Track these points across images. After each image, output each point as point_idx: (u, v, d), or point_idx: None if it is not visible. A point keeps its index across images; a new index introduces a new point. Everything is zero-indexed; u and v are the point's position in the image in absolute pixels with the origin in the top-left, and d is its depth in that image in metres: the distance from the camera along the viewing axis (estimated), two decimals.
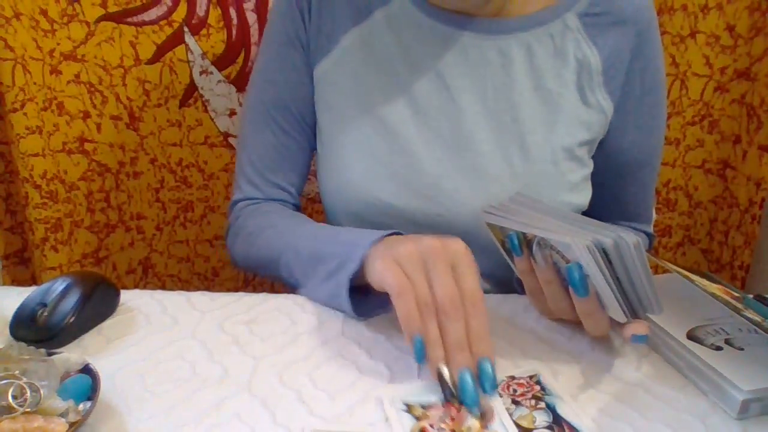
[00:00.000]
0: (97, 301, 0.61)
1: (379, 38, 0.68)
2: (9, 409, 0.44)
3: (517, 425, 0.48)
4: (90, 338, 0.59)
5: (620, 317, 0.52)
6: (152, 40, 1.00)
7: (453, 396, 0.48)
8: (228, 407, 0.50)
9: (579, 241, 0.48)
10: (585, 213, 0.71)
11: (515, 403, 0.50)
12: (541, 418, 0.49)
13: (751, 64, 0.99)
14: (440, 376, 0.49)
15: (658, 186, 1.09)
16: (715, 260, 1.10)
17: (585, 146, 0.69)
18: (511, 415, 0.49)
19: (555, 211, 0.56)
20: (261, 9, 1.01)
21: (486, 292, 0.68)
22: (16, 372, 0.46)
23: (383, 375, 0.54)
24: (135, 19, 0.99)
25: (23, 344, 0.51)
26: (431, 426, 0.47)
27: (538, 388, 0.52)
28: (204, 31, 1.01)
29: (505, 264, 0.61)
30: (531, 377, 0.54)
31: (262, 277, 1.01)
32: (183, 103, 1.05)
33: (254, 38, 1.02)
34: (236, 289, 0.84)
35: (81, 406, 0.46)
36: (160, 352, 0.57)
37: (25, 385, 0.45)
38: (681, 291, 0.63)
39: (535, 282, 0.57)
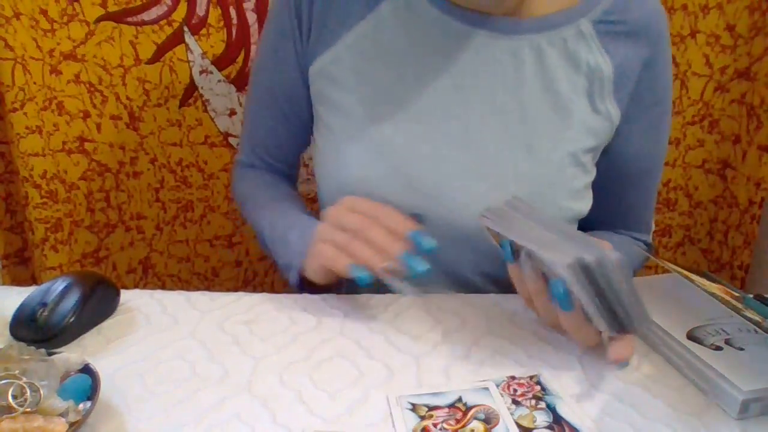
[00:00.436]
0: (97, 301, 0.61)
1: (386, 33, 0.67)
2: (9, 409, 0.44)
3: (518, 425, 0.48)
4: (90, 338, 0.59)
5: (606, 330, 0.52)
6: (152, 39, 1.00)
7: (405, 278, 0.52)
8: (228, 407, 0.50)
9: (561, 259, 0.49)
10: (585, 220, 0.72)
11: (515, 403, 0.50)
12: (542, 418, 0.49)
13: (751, 63, 0.99)
14: (386, 270, 0.54)
15: (659, 186, 1.09)
16: (715, 260, 1.10)
17: (590, 153, 0.69)
18: (511, 414, 0.49)
19: (548, 220, 0.56)
20: (261, 9, 1.01)
21: (487, 291, 0.69)
22: (16, 372, 0.46)
23: (383, 375, 0.54)
24: (135, 18, 0.99)
25: (23, 344, 0.51)
26: (434, 425, 0.47)
27: (538, 388, 0.52)
28: (204, 31, 1.01)
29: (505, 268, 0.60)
30: (531, 377, 0.54)
31: None
32: (183, 103, 1.05)
33: (254, 38, 1.02)
34: (236, 289, 0.84)
35: (81, 406, 0.46)
36: (160, 352, 0.57)
37: (25, 385, 0.45)
38: (681, 291, 0.63)
39: (526, 290, 0.56)
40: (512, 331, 0.61)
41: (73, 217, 1.03)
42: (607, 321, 0.51)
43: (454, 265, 0.70)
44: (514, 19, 0.65)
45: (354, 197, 0.60)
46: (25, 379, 0.46)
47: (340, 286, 0.65)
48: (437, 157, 0.66)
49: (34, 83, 0.94)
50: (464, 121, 0.66)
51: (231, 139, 1.08)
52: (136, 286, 1.13)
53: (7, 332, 0.58)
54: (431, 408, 0.49)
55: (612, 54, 0.66)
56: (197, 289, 0.67)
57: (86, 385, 0.48)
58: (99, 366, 0.50)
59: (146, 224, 1.10)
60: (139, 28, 0.99)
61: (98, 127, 1.02)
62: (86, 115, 1.00)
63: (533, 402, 0.51)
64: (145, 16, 0.99)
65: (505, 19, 0.65)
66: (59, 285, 0.60)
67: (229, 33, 1.02)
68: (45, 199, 0.99)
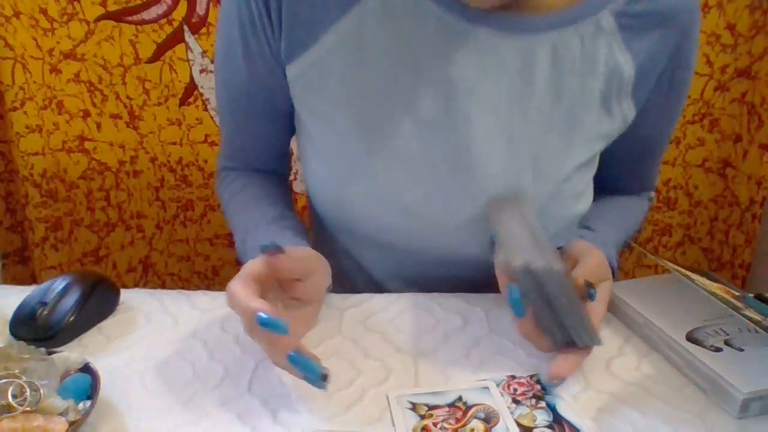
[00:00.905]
0: (97, 300, 0.61)
1: (372, 31, 0.57)
2: (9, 408, 0.44)
3: (518, 424, 0.48)
4: (90, 337, 0.59)
5: (552, 341, 0.53)
6: (152, 38, 1.00)
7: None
8: (228, 407, 0.50)
9: (513, 262, 0.51)
10: (594, 182, 0.69)
11: (516, 402, 0.50)
12: (542, 417, 0.49)
13: (752, 62, 0.99)
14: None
15: (659, 185, 1.09)
16: (715, 259, 1.10)
17: (596, 155, 0.66)
18: (511, 414, 0.49)
19: (533, 225, 0.56)
20: None
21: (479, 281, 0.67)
22: (16, 371, 0.46)
23: (382, 374, 0.54)
24: (135, 17, 0.98)
25: (23, 343, 0.51)
26: (434, 425, 0.47)
27: (538, 387, 0.52)
28: (204, 30, 1.01)
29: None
30: (531, 376, 0.54)
31: None
32: (183, 102, 1.05)
33: None
34: None
35: (81, 405, 0.46)
36: (160, 352, 0.57)
37: (25, 384, 0.45)
38: (681, 291, 0.63)
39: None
40: (512, 330, 0.61)
41: (73, 216, 1.03)
42: (555, 331, 0.52)
43: (450, 266, 0.68)
44: (525, 15, 0.56)
45: (234, 295, 0.50)
46: (25, 378, 0.46)
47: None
48: (435, 179, 0.60)
49: (34, 82, 0.94)
50: (465, 137, 0.58)
51: None
52: (136, 285, 1.12)
53: (7, 331, 0.58)
54: (431, 407, 0.49)
55: (635, 51, 0.59)
56: (197, 288, 0.67)
57: (86, 384, 0.48)
58: (99, 365, 0.50)
59: (146, 223, 1.10)
60: (139, 27, 0.99)
61: (98, 126, 1.02)
62: (86, 114, 1.00)
63: (533, 401, 0.51)
64: (145, 15, 0.99)
65: (513, 16, 0.56)
66: (59, 284, 0.60)
67: None
68: (45, 198, 0.99)
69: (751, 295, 0.57)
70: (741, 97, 1.01)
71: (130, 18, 0.98)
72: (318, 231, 0.76)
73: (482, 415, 0.49)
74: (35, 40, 0.93)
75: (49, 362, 0.48)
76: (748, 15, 0.97)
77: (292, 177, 0.98)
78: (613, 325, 0.62)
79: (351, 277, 0.74)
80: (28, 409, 0.44)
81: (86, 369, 0.50)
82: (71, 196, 1.02)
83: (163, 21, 0.99)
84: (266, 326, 0.47)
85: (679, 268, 0.60)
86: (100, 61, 0.98)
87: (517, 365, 0.56)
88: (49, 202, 0.99)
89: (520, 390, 0.52)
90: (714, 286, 0.59)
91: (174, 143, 1.07)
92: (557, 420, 0.49)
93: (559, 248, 0.60)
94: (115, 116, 1.02)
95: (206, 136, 1.07)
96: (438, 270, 0.69)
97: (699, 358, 0.53)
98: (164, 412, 0.49)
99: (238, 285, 0.50)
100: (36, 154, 0.96)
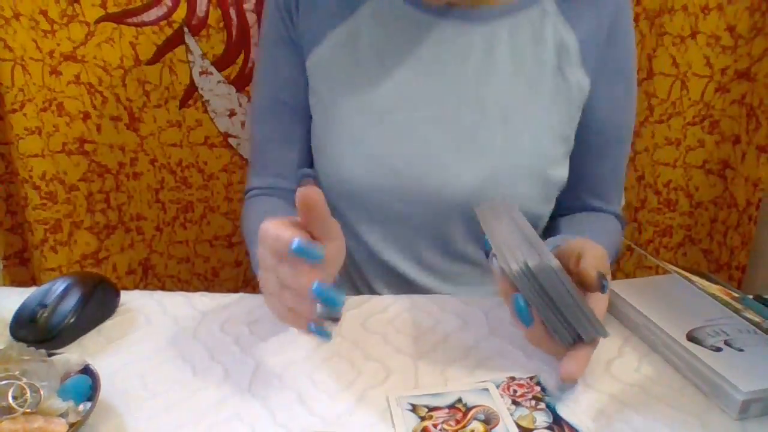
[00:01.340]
0: (97, 302, 0.61)
1: (366, 31, 0.72)
2: (9, 410, 0.44)
3: (518, 426, 0.48)
4: (90, 339, 0.59)
5: (560, 341, 0.53)
6: (152, 40, 1.00)
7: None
8: (228, 407, 0.50)
9: (513, 265, 0.51)
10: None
11: (515, 403, 0.50)
12: (542, 419, 0.49)
13: (752, 64, 0.99)
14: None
15: (659, 186, 1.09)
16: (714, 260, 1.10)
17: (566, 123, 0.73)
18: (511, 415, 0.49)
19: (523, 225, 0.57)
20: (261, 9, 1.01)
21: (478, 260, 0.74)
22: (17, 372, 0.46)
23: (382, 375, 0.54)
24: (135, 19, 0.99)
25: (23, 345, 0.51)
26: (434, 426, 0.47)
27: (538, 388, 0.52)
28: (204, 32, 1.01)
29: None
30: (531, 378, 0.54)
31: None
32: (183, 104, 1.05)
33: (254, 39, 1.02)
34: (236, 290, 0.84)
35: (81, 407, 0.46)
36: (160, 353, 0.57)
37: (25, 386, 0.45)
38: (681, 291, 0.63)
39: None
40: (512, 331, 0.61)
41: (72, 218, 1.03)
42: (562, 329, 0.52)
43: (447, 236, 0.73)
44: (482, 8, 0.70)
45: (266, 229, 0.50)
46: (25, 380, 0.46)
47: None
48: (416, 140, 0.70)
49: (34, 84, 0.94)
50: (442, 104, 0.70)
51: (231, 140, 1.08)
52: (136, 287, 1.13)
53: (8, 333, 0.58)
54: (431, 409, 0.49)
55: (576, 27, 0.71)
56: (197, 289, 0.67)
57: (86, 385, 0.48)
58: (99, 366, 0.50)
59: (146, 225, 1.10)
60: (139, 29, 0.99)
61: (98, 128, 1.02)
62: (86, 116, 1.00)
63: (533, 402, 0.51)
64: (145, 17, 0.99)
65: (473, 9, 0.70)
66: (59, 286, 0.60)
67: (229, 34, 1.02)
68: (45, 200, 0.99)
69: (750, 296, 0.57)
70: (741, 98, 1.01)
71: (130, 20, 0.98)
72: None
73: (482, 416, 0.49)
74: (35, 41, 0.93)
75: (50, 364, 0.48)
76: (748, 17, 0.97)
77: None
78: (613, 326, 0.62)
79: (352, 257, 0.78)
80: (28, 410, 0.44)
81: (86, 370, 0.50)
82: (71, 198, 1.02)
83: (163, 23, 1.00)
84: (301, 253, 0.46)
85: (679, 270, 0.60)
86: (100, 62, 0.98)
87: (517, 367, 0.56)
88: (48, 204, 0.99)
89: (520, 391, 0.52)
90: (713, 288, 0.59)
91: (174, 145, 1.07)
92: (557, 421, 0.49)
93: (558, 247, 0.60)
94: (115, 118, 1.02)
95: (206, 138, 1.07)
96: (434, 242, 0.74)
97: (699, 357, 0.53)
98: (164, 413, 0.49)
99: (270, 222, 0.50)
100: (36, 156, 0.96)
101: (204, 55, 1.02)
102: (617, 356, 0.58)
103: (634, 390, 0.53)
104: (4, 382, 0.45)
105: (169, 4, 0.98)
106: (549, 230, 0.80)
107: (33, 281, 1.07)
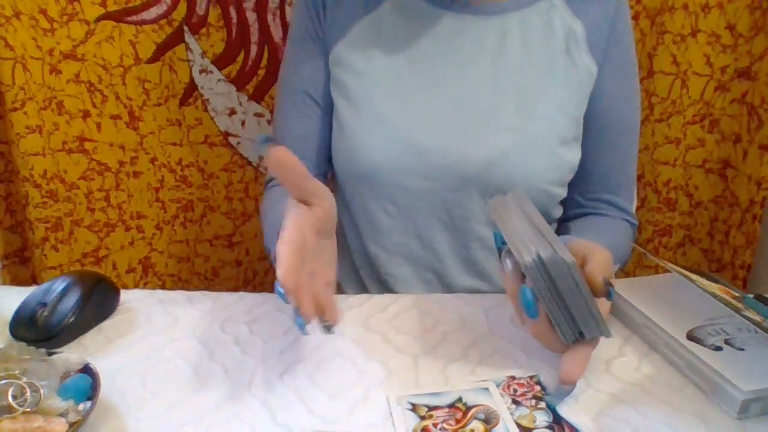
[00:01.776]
0: (97, 301, 0.61)
1: (387, 24, 0.77)
2: (9, 409, 0.44)
3: (518, 425, 0.48)
4: (90, 338, 0.59)
5: (562, 338, 0.53)
6: (152, 39, 1.00)
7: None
8: (228, 407, 0.50)
9: (526, 256, 0.51)
10: (570, 183, 0.79)
11: (515, 403, 0.50)
12: (542, 418, 0.49)
13: (752, 63, 0.99)
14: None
15: (659, 186, 1.09)
16: (716, 260, 1.10)
17: (575, 104, 0.76)
18: (511, 414, 0.49)
19: (537, 219, 0.57)
20: (261, 8, 1.01)
21: (488, 240, 0.75)
22: (16, 372, 0.46)
23: (382, 375, 0.54)
24: (135, 18, 0.98)
25: (23, 344, 0.51)
26: (434, 426, 0.47)
27: (538, 388, 0.52)
28: (204, 30, 1.01)
29: None
30: (531, 377, 0.54)
31: None
32: (183, 102, 1.05)
33: (254, 37, 1.02)
34: (236, 289, 0.84)
35: (81, 406, 0.46)
36: (160, 352, 0.57)
37: (25, 385, 0.45)
38: (681, 291, 0.63)
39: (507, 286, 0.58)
40: (512, 331, 0.61)
41: (73, 217, 1.03)
42: (566, 326, 0.52)
43: (464, 214, 0.75)
44: (493, 3, 0.76)
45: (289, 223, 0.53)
46: (25, 379, 0.46)
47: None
48: (436, 119, 0.74)
49: (34, 83, 0.94)
50: (459, 87, 0.75)
51: (231, 139, 1.08)
52: (136, 286, 1.13)
53: (7, 332, 0.58)
54: (431, 408, 0.49)
55: (582, 16, 0.76)
56: (197, 288, 0.67)
57: (86, 385, 0.48)
58: (99, 366, 0.50)
59: (146, 224, 1.10)
60: (139, 27, 0.99)
61: (98, 126, 1.02)
62: (86, 115, 1.00)
63: (533, 402, 0.51)
64: (145, 15, 0.99)
65: (485, 3, 0.76)
66: (59, 285, 0.60)
67: (229, 32, 1.02)
68: (45, 199, 0.99)
69: (751, 295, 0.57)
70: (741, 97, 1.01)
71: (130, 18, 0.98)
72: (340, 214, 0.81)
73: (482, 415, 0.49)
74: (35, 40, 0.93)
75: (49, 363, 0.48)
76: (748, 15, 0.97)
77: None
78: (614, 325, 0.62)
79: (362, 248, 0.81)
80: (28, 409, 0.44)
81: (86, 370, 0.50)
82: (71, 196, 1.02)
83: (163, 21, 0.99)
84: (282, 297, 0.49)
85: (679, 269, 0.60)
86: (100, 61, 0.98)
87: (517, 366, 0.56)
88: (49, 203, 0.99)
89: (520, 391, 0.52)
90: (714, 287, 0.59)
91: (174, 144, 1.07)
92: (557, 421, 0.49)
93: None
94: (115, 116, 1.02)
95: (206, 136, 1.07)
96: (448, 225, 0.76)
97: (699, 356, 0.53)
98: (164, 412, 0.49)
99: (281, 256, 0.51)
100: (36, 154, 0.96)
101: (204, 54, 1.02)
102: (617, 356, 0.58)
103: (634, 389, 0.53)
104: (4, 381, 0.45)
105: (169, 2, 0.98)
106: (559, 234, 0.80)
107: (33, 280, 1.07)
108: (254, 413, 0.49)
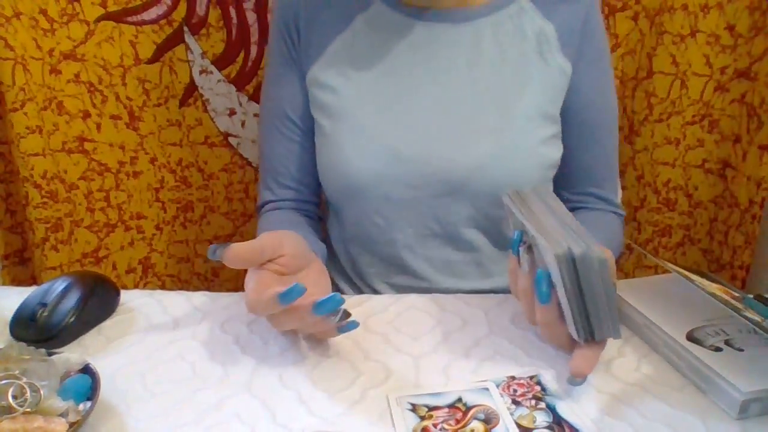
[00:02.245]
0: (97, 301, 0.61)
1: (361, 39, 0.77)
2: (9, 409, 0.44)
3: (518, 425, 0.48)
4: (90, 338, 0.59)
5: (575, 334, 0.53)
6: (152, 39, 1.00)
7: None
8: (228, 407, 0.50)
9: (553, 248, 0.50)
10: (556, 180, 0.81)
11: (515, 403, 0.50)
12: (542, 418, 0.49)
13: (752, 63, 0.99)
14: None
15: (658, 185, 1.09)
16: (715, 260, 1.10)
17: (553, 104, 0.77)
18: (511, 415, 0.49)
19: (563, 214, 0.57)
20: (261, 8, 1.01)
21: (479, 245, 0.76)
22: (17, 372, 0.46)
23: (383, 375, 0.54)
24: (135, 18, 0.98)
25: (23, 344, 0.51)
26: (434, 426, 0.47)
27: (538, 388, 0.52)
28: (204, 31, 1.01)
29: (495, 214, 0.74)
30: (531, 377, 0.54)
31: None
32: (183, 103, 1.05)
33: (254, 38, 1.02)
34: (236, 290, 0.84)
35: (81, 406, 0.46)
36: (160, 352, 0.57)
37: (25, 385, 0.45)
38: (681, 291, 0.63)
39: (517, 285, 0.58)
40: (512, 331, 0.61)
41: (73, 217, 1.03)
42: (580, 323, 0.52)
43: (449, 218, 0.75)
44: (464, 9, 0.77)
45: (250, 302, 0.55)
46: (25, 380, 0.46)
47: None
48: (417, 128, 0.74)
49: (34, 83, 0.94)
50: (438, 95, 0.75)
51: (231, 139, 1.08)
52: (135, 286, 1.13)
53: (7, 332, 0.58)
54: (431, 408, 0.49)
55: (552, 17, 0.77)
56: (197, 289, 0.67)
57: (86, 385, 0.48)
58: (99, 366, 0.50)
59: (146, 224, 1.10)
60: (139, 27, 0.99)
61: (98, 126, 1.02)
62: (86, 115, 1.00)
63: (533, 402, 0.51)
64: (145, 15, 0.99)
65: (456, 10, 0.77)
66: (59, 285, 0.60)
67: (229, 33, 1.02)
68: (45, 199, 0.99)
69: (751, 296, 0.57)
70: (741, 97, 1.01)
71: (130, 18, 0.98)
72: (331, 227, 0.85)
73: (482, 416, 0.49)
74: (35, 40, 0.93)
75: (50, 363, 0.48)
76: (747, 16, 0.97)
77: None
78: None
79: (354, 261, 0.82)
80: (28, 410, 0.44)
81: (86, 370, 0.50)
82: (71, 196, 1.02)
83: (163, 22, 0.99)
84: (287, 297, 0.51)
85: (679, 269, 0.60)
86: (100, 61, 0.98)
87: (517, 366, 0.56)
88: (49, 203, 0.99)
89: (520, 391, 0.52)
90: (713, 287, 0.59)
91: (174, 144, 1.07)
92: (557, 421, 0.49)
93: None
94: (114, 117, 1.02)
95: (206, 137, 1.07)
96: (443, 224, 0.76)
97: (699, 357, 0.53)
98: (164, 412, 0.49)
99: (251, 293, 0.55)
100: (36, 155, 0.96)
101: (204, 54, 1.02)
102: (617, 356, 0.58)
103: (634, 390, 0.53)
104: (4, 381, 0.45)
105: (169, 2, 0.98)
106: None
107: (33, 280, 1.07)
108: (254, 413, 0.49)
